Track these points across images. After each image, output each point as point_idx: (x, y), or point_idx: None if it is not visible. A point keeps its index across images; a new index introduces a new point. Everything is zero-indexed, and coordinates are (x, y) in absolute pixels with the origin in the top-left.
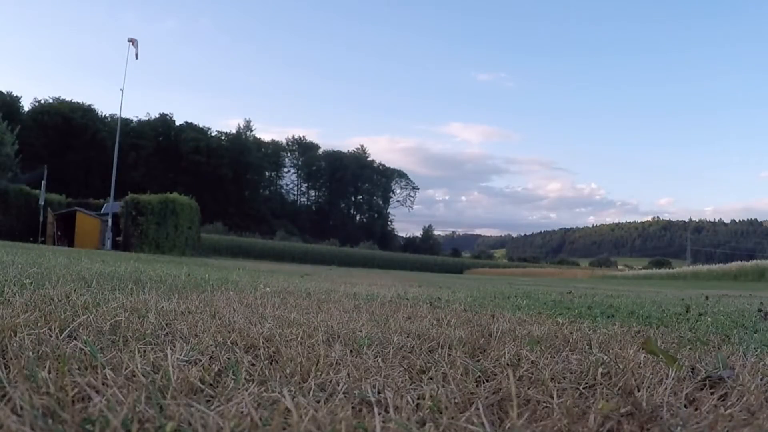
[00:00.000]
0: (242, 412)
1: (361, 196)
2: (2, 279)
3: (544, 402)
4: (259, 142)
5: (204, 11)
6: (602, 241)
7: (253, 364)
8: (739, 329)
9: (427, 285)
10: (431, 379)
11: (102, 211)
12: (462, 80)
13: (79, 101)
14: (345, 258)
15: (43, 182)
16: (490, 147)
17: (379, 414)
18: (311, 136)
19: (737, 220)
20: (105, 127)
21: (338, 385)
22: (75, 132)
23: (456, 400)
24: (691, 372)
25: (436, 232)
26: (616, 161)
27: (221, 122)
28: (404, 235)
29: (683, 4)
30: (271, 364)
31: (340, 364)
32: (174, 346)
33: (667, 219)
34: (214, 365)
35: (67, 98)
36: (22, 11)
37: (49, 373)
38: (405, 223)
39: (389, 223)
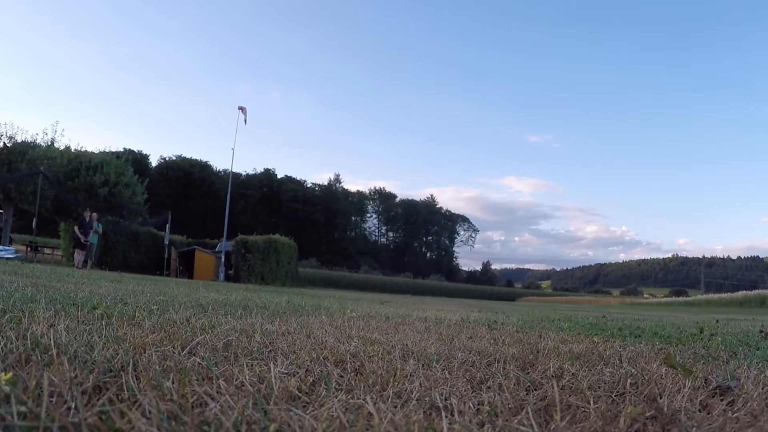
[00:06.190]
0: (332, 416)
1: (431, 237)
2: (134, 305)
3: (582, 407)
4: (346, 192)
5: (303, 85)
6: (631, 274)
7: (341, 376)
8: (743, 347)
9: (486, 310)
10: (489, 388)
11: (216, 249)
12: (516, 141)
13: (197, 158)
14: (417, 288)
15: (167, 225)
16: (539, 196)
17: (446, 417)
18: (390, 187)
19: (742, 257)
20: (218, 179)
21: (412, 393)
22: (194, 184)
23: (509, 406)
24: (704, 382)
25: (493, 267)
26: (642, 207)
27: (315, 175)
28: (467, 269)
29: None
30: (356, 375)
31: (413, 375)
32: (276, 361)
33: (685, 256)
34: (309, 377)
35: (188, 155)
36: (152, 84)
37: (173, 383)
38: (467, 259)
39: (454, 259)
